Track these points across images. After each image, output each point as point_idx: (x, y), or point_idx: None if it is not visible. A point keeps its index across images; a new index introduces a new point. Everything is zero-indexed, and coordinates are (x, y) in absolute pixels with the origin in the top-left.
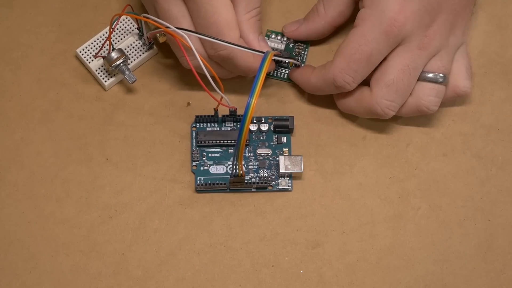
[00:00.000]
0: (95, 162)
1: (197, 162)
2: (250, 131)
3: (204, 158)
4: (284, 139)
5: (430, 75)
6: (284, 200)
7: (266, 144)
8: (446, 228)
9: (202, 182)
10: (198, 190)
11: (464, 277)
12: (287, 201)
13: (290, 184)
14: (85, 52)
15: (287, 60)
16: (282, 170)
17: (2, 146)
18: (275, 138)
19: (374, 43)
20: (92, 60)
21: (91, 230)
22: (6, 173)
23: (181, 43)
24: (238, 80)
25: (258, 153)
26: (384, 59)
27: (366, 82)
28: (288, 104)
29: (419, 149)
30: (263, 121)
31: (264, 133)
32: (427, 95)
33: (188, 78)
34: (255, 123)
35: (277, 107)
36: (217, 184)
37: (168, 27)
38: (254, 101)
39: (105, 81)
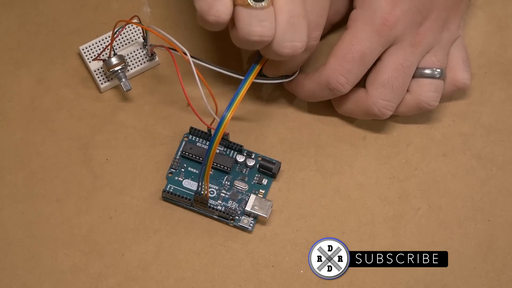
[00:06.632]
0: (95, 162)
1: (174, 170)
2: (236, 162)
3: (182, 170)
4: (264, 181)
5: (427, 71)
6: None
7: (246, 179)
8: (446, 228)
9: (170, 191)
10: (164, 197)
11: (464, 277)
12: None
13: (252, 225)
14: (88, 51)
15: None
16: (248, 208)
17: (2, 146)
18: (257, 177)
19: (367, 42)
20: (93, 60)
21: (91, 230)
22: (6, 173)
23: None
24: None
25: (235, 185)
26: (378, 59)
27: (362, 85)
28: (288, 104)
29: (419, 149)
30: (252, 156)
31: (248, 168)
32: (426, 91)
33: (189, 78)
34: (244, 155)
35: (276, 108)
36: (183, 197)
37: (170, 45)
38: (229, 115)
39: (101, 84)
